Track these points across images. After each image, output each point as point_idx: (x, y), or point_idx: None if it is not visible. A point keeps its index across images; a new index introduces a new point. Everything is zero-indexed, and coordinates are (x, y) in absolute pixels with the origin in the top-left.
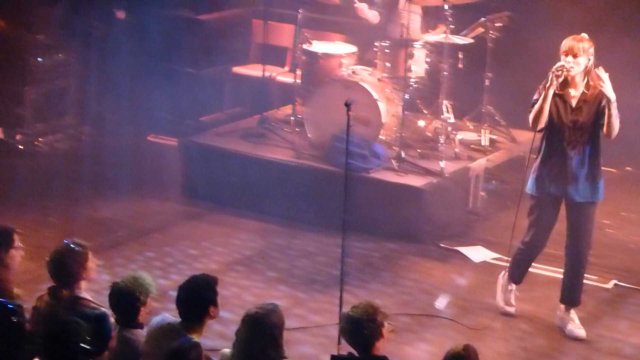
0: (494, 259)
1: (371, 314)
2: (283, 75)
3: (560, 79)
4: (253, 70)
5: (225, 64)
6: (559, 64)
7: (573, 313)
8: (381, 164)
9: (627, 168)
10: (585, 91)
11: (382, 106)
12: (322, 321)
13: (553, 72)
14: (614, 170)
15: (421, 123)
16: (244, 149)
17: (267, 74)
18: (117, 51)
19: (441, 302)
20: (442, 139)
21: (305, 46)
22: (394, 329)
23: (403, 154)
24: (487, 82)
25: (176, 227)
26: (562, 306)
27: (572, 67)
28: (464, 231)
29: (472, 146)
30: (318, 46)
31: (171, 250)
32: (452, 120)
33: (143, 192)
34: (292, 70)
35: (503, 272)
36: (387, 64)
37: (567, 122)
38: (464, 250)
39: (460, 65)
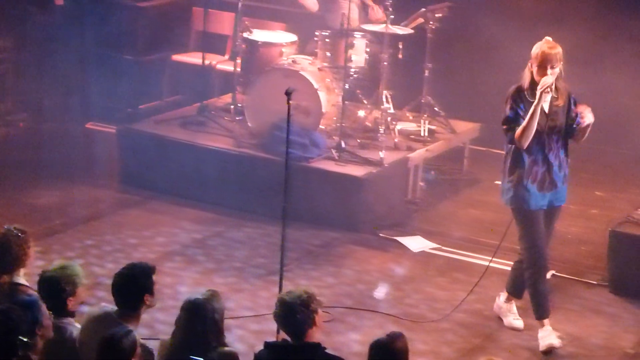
0: (432, 248)
1: (305, 300)
2: (223, 64)
3: (550, 95)
4: (193, 58)
5: (164, 51)
6: (546, 81)
7: (513, 304)
8: (321, 153)
9: None
10: (554, 96)
11: (322, 95)
12: (261, 310)
13: (542, 91)
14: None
15: (361, 113)
16: (184, 137)
17: (207, 62)
18: (55, 38)
19: (379, 292)
20: (381, 129)
21: (245, 34)
22: (332, 319)
23: (343, 144)
24: (426, 73)
25: (114, 215)
26: (503, 295)
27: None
28: (403, 221)
29: (412, 136)
30: (258, 35)
31: (109, 238)
32: (392, 110)
33: (81, 179)
34: (232, 59)
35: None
36: (328, 54)
37: (545, 128)
38: (403, 240)
39: (400, 56)
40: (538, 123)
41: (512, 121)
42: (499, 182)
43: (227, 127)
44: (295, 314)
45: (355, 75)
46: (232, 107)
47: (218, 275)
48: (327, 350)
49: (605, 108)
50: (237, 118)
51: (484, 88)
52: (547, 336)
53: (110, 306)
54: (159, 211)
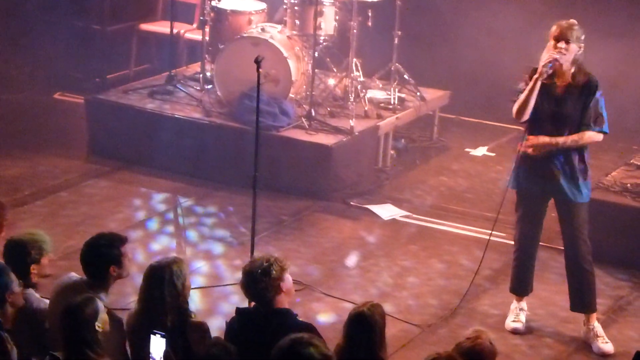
0: (402, 216)
1: (265, 268)
2: (191, 32)
3: (551, 71)
4: (161, 27)
5: (132, 20)
6: (551, 55)
7: (597, 325)
8: (291, 122)
9: None
10: (571, 82)
11: (291, 64)
12: (233, 280)
13: (545, 63)
14: (521, 128)
15: (331, 81)
16: (152, 107)
17: (175, 31)
18: (22, 8)
19: (350, 260)
20: (351, 97)
21: (213, 3)
22: (303, 287)
23: (313, 112)
24: (396, 41)
25: (83, 185)
26: (584, 319)
27: (564, 55)
28: (373, 189)
29: (382, 104)
30: (227, 2)
31: (78, 209)
32: (362, 78)
33: (50, 150)
34: (201, 27)
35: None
36: (297, 22)
37: (550, 114)
38: (373, 208)
39: (369, 23)
40: (542, 109)
41: (518, 94)
42: (469, 150)
43: (195, 96)
44: (257, 283)
45: (324, 44)
46: (200, 76)
47: (188, 245)
48: (297, 317)
49: None
50: (206, 87)
51: (453, 55)
52: (514, 317)
53: (78, 276)
54: (128, 181)
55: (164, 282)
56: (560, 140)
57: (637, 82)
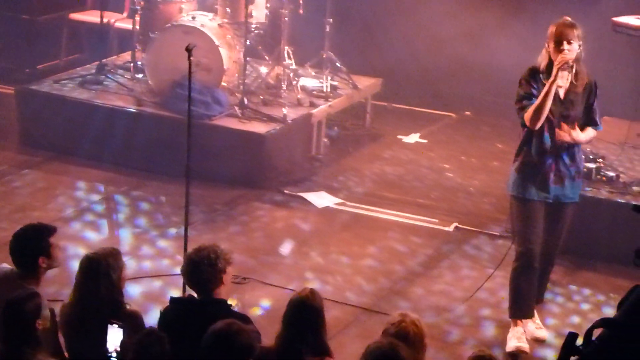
0: (336, 204)
1: (212, 259)
2: (122, 22)
3: (566, 72)
4: (91, 17)
5: (62, 10)
6: (564, 56)
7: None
8: (223, 110)
9: (466, 113)
10: (573, 82)
11: (223, 52)
12: (165, 270)
13: (559, 67)
14: (453, 115)
15: (263, 69)
16: (83, 97)
17: (105, 20)
18: None
19: (285, 248)
20: (284, 86)
21: None
22: (240, 280)
23: (245, 101)
24: (327, 28)
25: (14, 176)
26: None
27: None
28: (307, 177)
29: (314, 92)
30: None
31: (9, 199)
32: (294, 66)
33: None
34: (131, 17)
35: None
36: (228, 10)
37: (557, 115)
38: (307, 196)
39: (300, 11)
40: (550, 109)
41: (525, 99)
42: (401, 137)
43: (127, 86)
44: (201, 273)
45: (256, 32)
46: (131, 65)
47: (121, 235)
48: (232, 308)
49: (504, 61)
50: (137, 76)
51: (385, 43)
52: (517, 337)
53: (9, 267)
54: (59, 172)
55: (100, 274)
56: (580, 137)
57: None
